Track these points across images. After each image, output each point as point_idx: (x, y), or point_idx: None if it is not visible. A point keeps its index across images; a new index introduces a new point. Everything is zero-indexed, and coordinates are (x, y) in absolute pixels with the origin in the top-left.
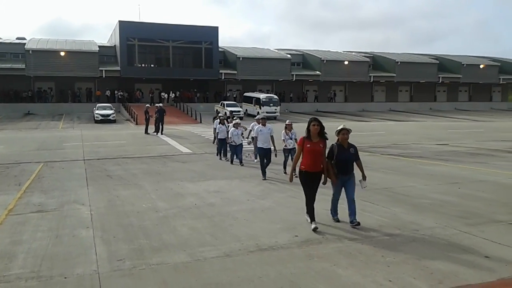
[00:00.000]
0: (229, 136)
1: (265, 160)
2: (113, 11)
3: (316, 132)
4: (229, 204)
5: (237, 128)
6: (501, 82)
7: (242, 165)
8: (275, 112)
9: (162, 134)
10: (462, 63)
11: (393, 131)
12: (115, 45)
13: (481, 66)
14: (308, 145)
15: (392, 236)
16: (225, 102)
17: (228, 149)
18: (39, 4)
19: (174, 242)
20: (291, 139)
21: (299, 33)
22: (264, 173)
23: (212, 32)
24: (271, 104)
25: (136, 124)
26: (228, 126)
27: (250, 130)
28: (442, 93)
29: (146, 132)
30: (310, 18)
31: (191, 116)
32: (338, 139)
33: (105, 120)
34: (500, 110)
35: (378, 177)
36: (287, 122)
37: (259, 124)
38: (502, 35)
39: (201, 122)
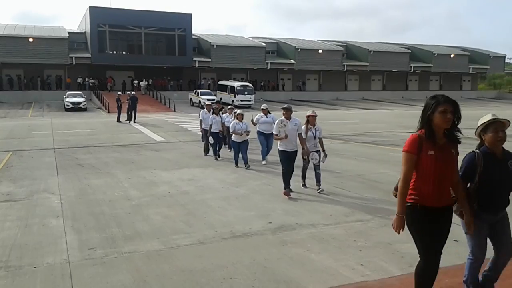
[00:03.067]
0: (231, 131)
1: (289, 167)
2: None
3: (447, 127)
4: (203, 192)
5: (240, 121)
6: (470, 72)
7: (249, 167)
8: (249, 101)
9: (135, 122)
10: (433, 52)
11: (366, 119)
12: (85, 32)
13: (452, 56)
14: (431, 153)
15: (364, 222)
16: (199, 90)
17: (222, 147)
18: None
19: (147, 230)
20: (314, 137)
21: (275, 21)
22: (288, 183)
23: (185, 19)
24: (246, 93)
25: (108, 112)
26: (225, 117)
27: (255, 124)
28: (413, 82)
29: (118, 120)
30: (285, 6)
31: (165, 104)
32: (481, 141)
33: (76, 108)
34: (469, 99)
35: (352, 164)
36: (309, 113)
37: (265, 114)
38: (472, 26)
39: (174, 110)
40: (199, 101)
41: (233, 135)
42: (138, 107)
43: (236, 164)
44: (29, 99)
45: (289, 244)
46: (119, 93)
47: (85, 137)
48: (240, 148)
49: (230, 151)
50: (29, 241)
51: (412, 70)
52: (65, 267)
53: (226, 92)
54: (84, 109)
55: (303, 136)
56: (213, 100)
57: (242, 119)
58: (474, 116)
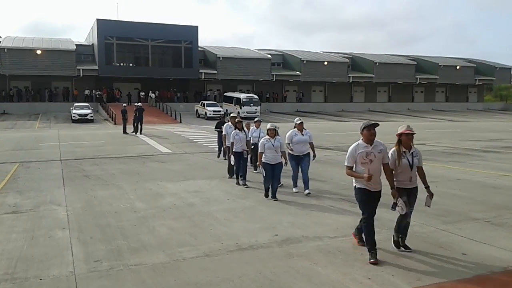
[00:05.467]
0: (259, 150)
1: (373, 214)
2: (96, 10)
3: None
4: (209, 204)
5: (273, 138)
6: (476, 83)
7: (276, 200)
8: (255, 112)
9: (141, 134)
10: (439, 64)
11: None
12: (92, 44)
13: (457, 67)
14: None
15: None
16: (205, 102)
17: (249, 167)
18: (20, 5)
19: (153, 243)
20: (411, 167)
21: (281, 33)
22: (372, 240)
23: (192, 32)
24: (252, 104)
25: (115, 124)
26: (250, 131)
27: (289, 143)
28: (419, 94)
29: (124, 132)
30: (292, 18)
31: (171, 116)
32: None
33: (83, 119)
34: (476, 110)
35: None
36: (403, 129)
37: (301, 130)
38: (478, 38)
39: (181, 122)
40: (205, 112)
41: (264, 155)
42: (144, 119)
43: (267, 193)
44: (37, 111)
45: (295, 257)
46: (125, 104)
47: (91, 148)
48: (274, 173)
49: (255, 172)
50: (35, 253)
51: (418, 82)
52: (70, 279)
53: (232, 103)
54: (91, 121)
55: (393, 166)
56: (219, 111)
57: (275, 135)
58: (480, 128)
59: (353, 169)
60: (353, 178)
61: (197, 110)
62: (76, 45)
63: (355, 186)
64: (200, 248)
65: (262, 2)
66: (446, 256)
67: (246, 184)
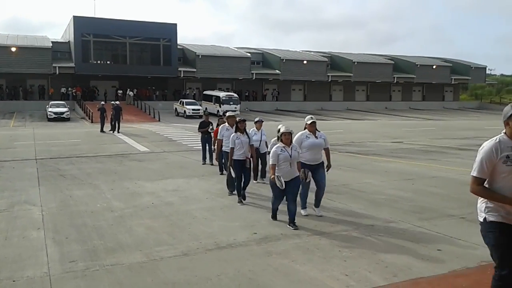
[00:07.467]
0: (272, 162)
1: None
2: (74, 7)
3: None
4: (188, 203)
5: (289, 146)
6: (452, 82)
7: (296, 228)
8: (235, 111)
9: (118, 132)
10: (416, 63)
11: (350, 129)
12: (69, 41)
13: (434, 67)
14: None
15: (349, 231)
16: (184, 100)
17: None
18: None
19: (130, 242)
20: None
21: (262, 32)
22: None
23: (170, 29)
24: (231, 103)
25: (92, 122)
26: (252, 133)
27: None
28: (397, 93)
29: (102, 130)
30: (272, 18)
31: (149, 114)
32: None
33: (59, 118)
34: (452, 109)
35: (336, 174)
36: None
37: (314, 132)
38: (455, 38)
39: (159, 120)
40: (184, 111)
41: (277, 169)
42: (122, 117)
43: (274, 215)
44: (11, 109)
45: (274, 255)
46: (103, 102)
47: (67, 147)
48: (287, 191)
49: (256, 182)
50: (8, 254)
51: (395, 81)
52: (45, 280)
53: (212, 102)
54: (67, 119)
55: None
56: (198, 110)
57: (291, 141)
58: (456, 126)
59: (486, 184)
60: (482, 201)
61: (176, 108)
62: (52, 42)
63: (484, 219)
64: (178, 247)
65: (243, 1)
66: (422, 252)
67: (242, 200)
